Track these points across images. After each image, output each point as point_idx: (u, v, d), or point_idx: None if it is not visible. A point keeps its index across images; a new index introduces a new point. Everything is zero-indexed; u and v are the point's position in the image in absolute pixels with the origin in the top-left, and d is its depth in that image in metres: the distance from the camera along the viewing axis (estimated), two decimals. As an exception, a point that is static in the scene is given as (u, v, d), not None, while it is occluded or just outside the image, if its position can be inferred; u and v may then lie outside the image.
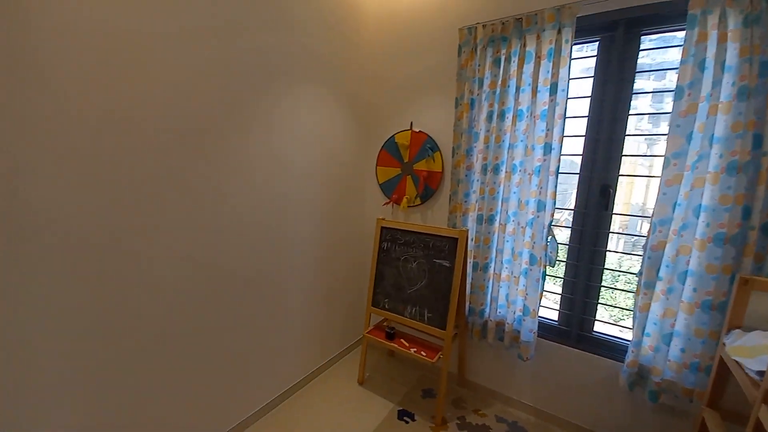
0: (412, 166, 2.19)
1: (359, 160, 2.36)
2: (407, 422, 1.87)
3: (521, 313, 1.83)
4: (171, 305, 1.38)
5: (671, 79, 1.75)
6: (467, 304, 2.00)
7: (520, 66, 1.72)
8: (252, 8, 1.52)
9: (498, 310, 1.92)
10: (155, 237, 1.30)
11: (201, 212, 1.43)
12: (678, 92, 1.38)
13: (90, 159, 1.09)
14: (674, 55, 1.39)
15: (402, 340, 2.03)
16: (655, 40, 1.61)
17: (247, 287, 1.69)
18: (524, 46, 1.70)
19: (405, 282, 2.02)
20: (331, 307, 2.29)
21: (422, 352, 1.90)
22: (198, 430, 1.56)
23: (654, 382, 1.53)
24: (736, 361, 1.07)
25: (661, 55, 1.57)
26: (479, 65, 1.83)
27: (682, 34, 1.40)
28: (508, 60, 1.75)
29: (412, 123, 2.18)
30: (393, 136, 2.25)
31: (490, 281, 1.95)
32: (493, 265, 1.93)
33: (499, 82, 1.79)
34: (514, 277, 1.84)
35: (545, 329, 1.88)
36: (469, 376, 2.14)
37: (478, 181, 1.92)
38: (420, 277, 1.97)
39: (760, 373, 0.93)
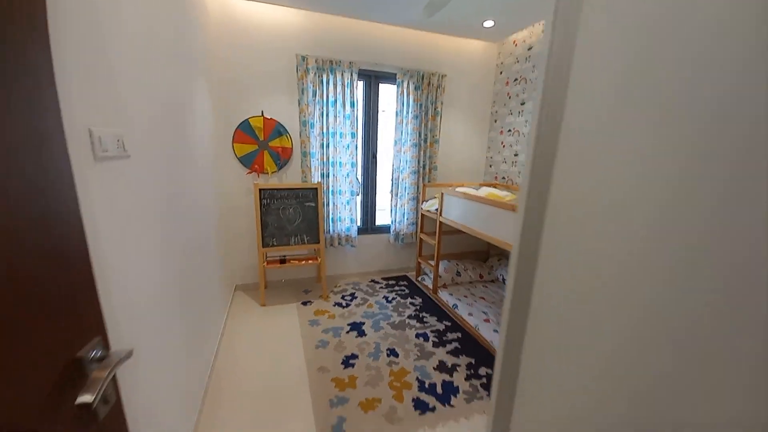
0: (268, 144, 3.03)
1: (220, 138, 2.83)
2: (309, 304, 3.00)
3: (349, 224, 3.41)
4: None
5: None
6: (323, 227, 3.30)
7: (335, 87, 3.12)
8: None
9: (339, 226, 3.39)
10: None
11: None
12: (398, 113, 3.39)
13: None
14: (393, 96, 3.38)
15: (291, 261, 3.02)
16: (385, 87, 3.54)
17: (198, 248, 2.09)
18: (335, 76, 3.10)
19: (286, 223, 2.98)
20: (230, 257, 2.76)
21: (309, 261, 3.04)
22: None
23: (401, 235, 3.67)
24: (426, 210, 3.27)
25: (389, 96, 3.53)
26: (312, 81, 3.02)
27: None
28: (328, 82, 3.08)
29: (263, 110, 2.97)
30: (247, 119, 2.92)
31: (331, 210, 3.35)
32: (331, 200, 3.33)
33: (325, 95, 3.09)
34: (344, 205, 3.36)
35: (358, 230, 3.58)
36: (326, 272, 3.48)
37: (318, 152, 3.18)
38: (296, 217, 3.02)
39: (436, 211, 3.11)
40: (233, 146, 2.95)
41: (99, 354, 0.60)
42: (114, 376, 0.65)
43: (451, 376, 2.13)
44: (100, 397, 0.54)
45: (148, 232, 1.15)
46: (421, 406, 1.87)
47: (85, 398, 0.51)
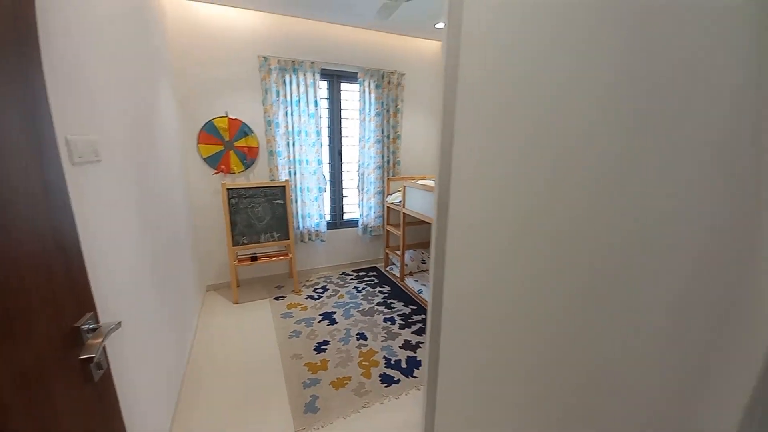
0: (234, 144, 3.07)
1: (185, 140, 2.84)
2: (282, 298, 3.10)
3: (318, 220, 3.53)
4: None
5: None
6: (293, 223, 3.40)
7: (298, 87, 3.21)
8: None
9: (308, 222, 3.50)
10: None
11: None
12: (361, 111, 3.54)
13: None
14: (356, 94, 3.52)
15: (262, 258, 3.10)
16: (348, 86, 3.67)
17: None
18: (298, 76, 3.19)
19: (256, 221, 3.06)
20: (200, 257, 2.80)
21: (280, 257, 3.14)
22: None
23: (369, 228, 3.84)
24: (391, 202, 3.45)
25: (352, 94, 3.66)
26: (275, 82, 3.10)
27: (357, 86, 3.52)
28: (291, 82, 3.17)
29: (227, 111, 3.01)
30: (211, 120, 2.96)
31: (299, 207, 3.45)
32: (300, 197, 3.43)
33: (289, 94, 3.18)
34: (312, 201, 3.48)
35: (327, 225, 3.71)
36: (297, 267, 3.58)
37: (284, 151, 3.26)
38: (266, 215, 3.10)
39: (399, 203, 3.30)
40: (198, 147, 2.97)
41: (92, 326, 0.72)
42: (104, 348, 0.77)
43: (415, 352, 2.34)
44: (97, 356, 0.66)
45: (122, 229, 1.23)
46: (387, 380, 2.05)
47: (88, 354, 0.63)
